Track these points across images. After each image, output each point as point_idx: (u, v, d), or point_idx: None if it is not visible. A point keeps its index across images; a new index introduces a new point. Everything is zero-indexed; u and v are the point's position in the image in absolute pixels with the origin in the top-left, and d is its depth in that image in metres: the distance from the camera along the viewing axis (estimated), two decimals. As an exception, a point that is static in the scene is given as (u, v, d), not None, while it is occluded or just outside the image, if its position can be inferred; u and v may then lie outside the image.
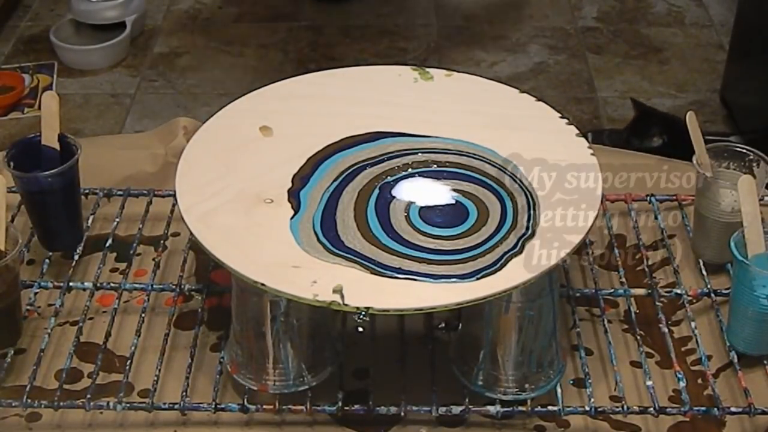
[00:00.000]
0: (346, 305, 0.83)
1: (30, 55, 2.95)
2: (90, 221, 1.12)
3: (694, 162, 1.05)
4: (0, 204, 0.96)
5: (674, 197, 1.15)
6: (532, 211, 0.92)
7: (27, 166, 1.04)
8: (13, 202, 1.09)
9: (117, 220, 1.12)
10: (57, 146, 1.05)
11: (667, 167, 1.23)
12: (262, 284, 0.85)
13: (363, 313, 0.83)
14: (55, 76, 2.85)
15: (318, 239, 0.90)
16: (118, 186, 1.17)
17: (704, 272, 1.06)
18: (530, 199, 0.94)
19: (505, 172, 0.97)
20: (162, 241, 1.10)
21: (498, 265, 0.87)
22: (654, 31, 2.86)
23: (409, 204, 0.94)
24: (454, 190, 0.96)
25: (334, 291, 0.84)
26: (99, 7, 2.94)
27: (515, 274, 0.86)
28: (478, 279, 0.86)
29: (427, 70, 1.11)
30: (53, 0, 3.19)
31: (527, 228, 0.91)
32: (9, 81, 2.77)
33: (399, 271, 0.87)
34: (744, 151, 1.07)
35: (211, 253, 0.88)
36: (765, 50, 2.36)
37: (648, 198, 1.15)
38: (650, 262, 1.09)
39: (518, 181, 0.96)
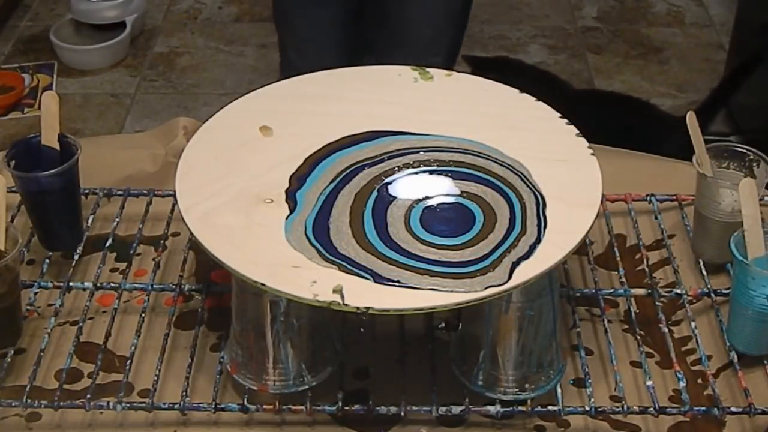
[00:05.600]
0: (346, 305, 0.83)
1: (30, 55, 2.95)
2: (90, 221, 1.12)
3: (694, 162, 1.05)
4: (0, 204, 0.96)
5: (674, 197, 1.15)
6: (542, 215, 0.92)
7: (27, 166, 1.04)
8: (13, 202, 1.09)
9: (117, 220, 1.12)
10: (57, 146, 1.05)
11: (667, 167, 1.23)
12: (262, 284, 0.85)
13: (363, 312, 0.83)
14: (55, 76, 2.85)
15: (310, 243, 0.89)
16: (118, 186, 1.17)
17: (704, 272, 1.06)
18: (539, 200, 0.93)
19: (513, 172, 0.96)
20: (162, 241, 1.10)
21: (508, 278, 0.85)
22: (654, 31, 2.86)
23: (410, 208, 0.93)
24: (458, 191, 0.95)
25: (334, 291, 0.84)
26: (99, 7, 2.94)
27: (516, 274, 0.86)
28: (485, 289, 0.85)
29: (427, 70, 1.10)
30: (53, 0, 3.19)
31: (538, 233, 0.89)
32: (9, 81, 2.78)
33: (398, 284, 0.85)
34: (744, 151, 1.07)
35: (211, 253, 0.88)
36: (765, 50, 2.35)
37: (648, 198, 1.15)
38: (650, 262, 1.08)
39: (526, 180, 0.95)
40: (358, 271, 0.86)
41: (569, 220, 0.90)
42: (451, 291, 0.84)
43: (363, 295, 0.84)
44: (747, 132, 2.40)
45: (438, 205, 0.94)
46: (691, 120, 1.05)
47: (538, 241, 0.89)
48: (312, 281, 0.85)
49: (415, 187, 0.95)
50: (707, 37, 2.87)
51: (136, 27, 2.92)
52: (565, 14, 3.00)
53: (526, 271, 0.86)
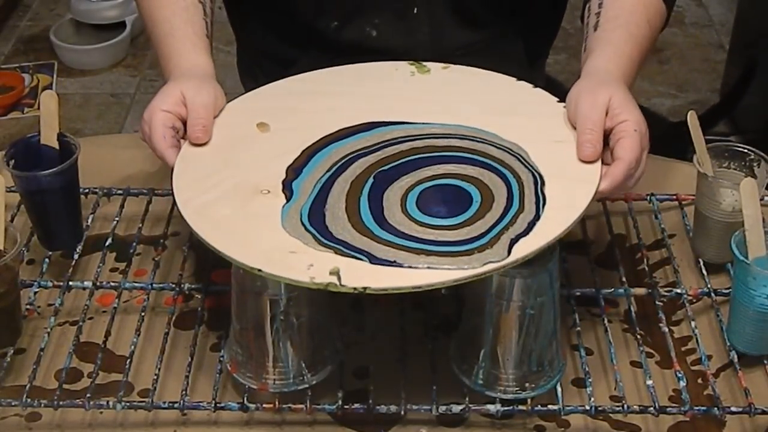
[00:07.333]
0: (343, 286, 0.83)
1: (30, 55, 2.96)
2: (90, 221, 1.12)
3: (695, 162, 1.05)
4: (-1, 203, 0.97)
5: (674, 197, 1.15)
6: (540, 192, 0.91)
7: (26, 165, 1.04)
8: (13, 201, 1.09)
9: (117, 219, 1.12)
10: (56, 146, 1.05)
11: (667, 167, 1.23)
12: (259, 270, 0.84)
13: (361, 293, 0.83)
14: (55, 76, 2.85)
15: (306, 229, 0.88)
16: (118, 186, 1.17)
17: (704, 272, 1.06)
18: (537, 178, 0.93)
19: (511, 154, 0.96)
20: (162, 241, 1.10)
21: (507, 254, 0.85)
22: (654, 32, 2.86)
23: (407, 193, 0.92)
24: (455, 174, 0.94)
25: (331, 273, 0.83)
26: (99, 6, 2.94)
27: (515, 250, 0.85)
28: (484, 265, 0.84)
29: (424, 63, 1.10)
30: (53, 0, 3.19)
31: (537, 210, 0.89)
32: (9, 81, 2.78)
33: (395, 264, 0.85)
34: (745, 150, 1.07)
35: (207, 242, 0.88)
36: (765, 50, 2.36)
37: (648, 198, 1.15)
38: (650, 262, 1.08)
39: (523, 161, 0.95)
40: (354, 253, 0.86)
41: (568, 197, 0.90)
42: (449, 268, 0.84)
43: (360, 276, 0.83)
44: (747, 132, 2.40)
45: (434, 187, 0.93)
46: (692, 120, 1.05)
47: (537, 217, 0.88)
48: (309, 265, 0.85)
49: (411, 172, 0.95)
50: (707, 37, 2.87)
51: (136, 27, 2.92)
52: (566, 14, 3.00)
53: (526, 247, 0.85)
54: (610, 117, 0.96)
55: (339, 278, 0.83)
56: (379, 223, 0.89)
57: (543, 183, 0.92)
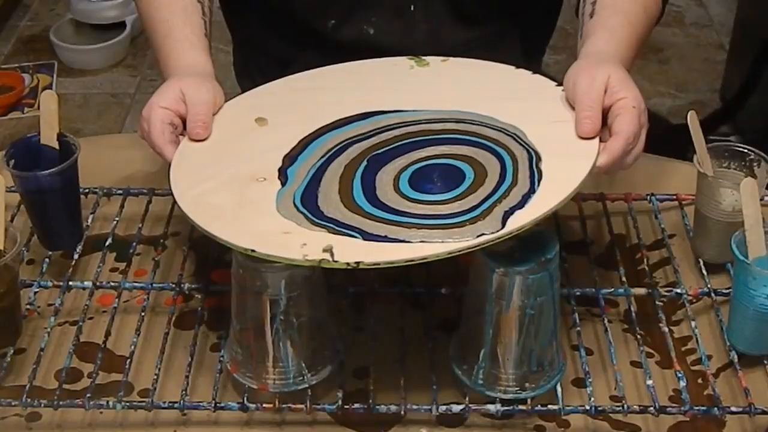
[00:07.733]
0: (336, 262, 0.83)
1: (30, 55, 2.96)
2: (90, 221, 1.12)
3: (695, 162, 1.05)
4: (-1, 203, 0.96)
5: (674, 197, 1.15)
6: (535, 168, 0.91)
7: (26, 165, 1.04)
8: (13, 201, 1.09)
9: (117, 219, 1.12)
10: (56, 145, 1.05)
11: (667, 167, 1.23)
12: (252, 250, 0.85)
13: (354, 268, 0.83)
14: (55, 76, 2.85)
15: (298, 210, 0.89)
16: (118, 186, 1.17)
17: (704, 272, 1.06)
18: (532, 155, 0.93)
19: (507, 134, 0.96)
20: (162, 241, 1.10)
21: (501, 226, 0.85)
22: (654, 31, 2.86)
23: (399, 173, 0.93)
24: (448, 155, 0.94)
25: (324, 250, 0.84)
26: (99, 6, 2.94)
27: (509, 222, 0.85)
28: (477, 237, 0.84)
29: (423, 57, 1.11)
30: (53, 0, 3.19)
31: (531, 184, 0.89)
32: (9, 81, 2.78)
33: (385, 239, 0.85)
34: (745, 150, 1.07)
35: (201, 227, 0.88)
36: (765, 50, 2.36)
37: (648, 198, 1.15)
38: (650, 262, 1.08)
39: (519, 140, 0.95)
40: (346, 230, 0.86)
41: (565, 172, 0.90)
42: (442, 241, 0.84)
43: (352, 251, 0.84)
44: (747, 132, 2.40)
45: (427, 166, 0.93)
46: (692, 120, 1.05)
47: (532, 191, 0.88)
48: (302, 244, 0.85)
49: (405, 154, 0.95)
50: (707, 37, 2.87)
51: (136, 27, 2.92)
52: (565, 14, 3.00)
53: (520, 219, 0.85)
54: (608, 95, 0.96)
55: (332, 254, 0.83)
56: (370, 202, 0.89)
57: (539, 159, 0.92)
